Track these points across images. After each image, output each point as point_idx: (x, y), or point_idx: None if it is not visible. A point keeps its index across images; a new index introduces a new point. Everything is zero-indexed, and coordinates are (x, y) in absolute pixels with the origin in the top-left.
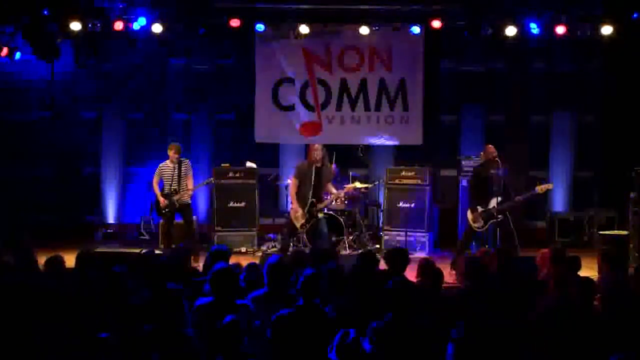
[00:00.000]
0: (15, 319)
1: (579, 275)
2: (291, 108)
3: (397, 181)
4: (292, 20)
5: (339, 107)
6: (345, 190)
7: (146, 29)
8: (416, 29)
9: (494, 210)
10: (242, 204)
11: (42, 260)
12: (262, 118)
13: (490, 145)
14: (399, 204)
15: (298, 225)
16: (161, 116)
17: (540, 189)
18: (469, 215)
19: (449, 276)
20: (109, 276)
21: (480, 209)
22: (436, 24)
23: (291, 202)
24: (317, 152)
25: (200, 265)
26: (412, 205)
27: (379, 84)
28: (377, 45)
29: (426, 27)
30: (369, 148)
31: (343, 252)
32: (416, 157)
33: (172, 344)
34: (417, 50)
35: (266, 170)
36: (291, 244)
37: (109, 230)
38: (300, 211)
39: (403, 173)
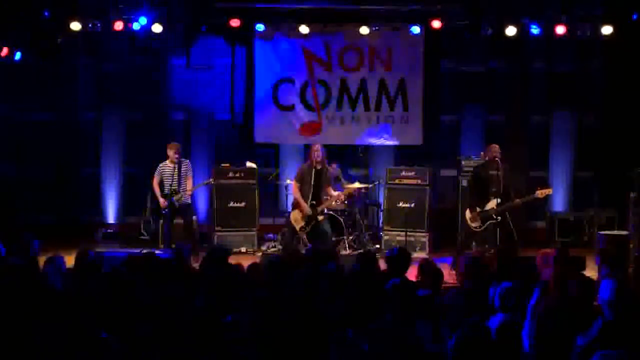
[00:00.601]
0: (15, 319)
1: (583, 275)
2: (291, 108)
3: (397, 181)
4: (292, 20)
5: (339, 107)
6: (345, 192)
7: (146, 29)
8: (416, 29)
9: (492, 212)
10: (242, 204)
11: (42, 260)
12: (262, 118)
13: (494, 145)
14: (399, 204)
15: (297, 227)
16: (161, 116)
17: (540, 193)
18: (467, 214)
19: (449, 276)
20: (108, 276)
21: (478, 209)
22: (436, 24)
23: (299, 204)
24: (317, 153)
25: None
26: (412, 205)
27: (379, 84)
28: (377, 45)
29: (426, 27)
30: (369, 148)
31: (343, 252)
32: (416, 157)
33: (171, 344)
34: (417, 50)
35: (266, 170)
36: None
37: (109, 230)
38: (301, 213)
39: (403, 173)
